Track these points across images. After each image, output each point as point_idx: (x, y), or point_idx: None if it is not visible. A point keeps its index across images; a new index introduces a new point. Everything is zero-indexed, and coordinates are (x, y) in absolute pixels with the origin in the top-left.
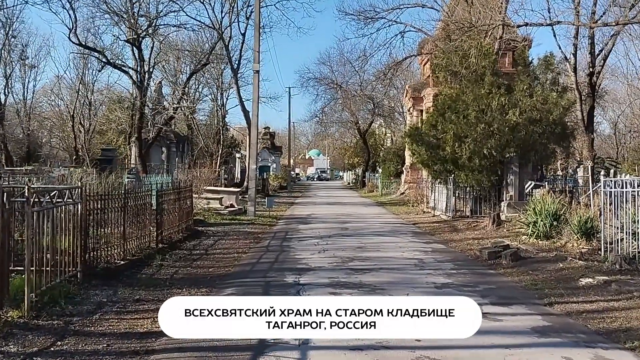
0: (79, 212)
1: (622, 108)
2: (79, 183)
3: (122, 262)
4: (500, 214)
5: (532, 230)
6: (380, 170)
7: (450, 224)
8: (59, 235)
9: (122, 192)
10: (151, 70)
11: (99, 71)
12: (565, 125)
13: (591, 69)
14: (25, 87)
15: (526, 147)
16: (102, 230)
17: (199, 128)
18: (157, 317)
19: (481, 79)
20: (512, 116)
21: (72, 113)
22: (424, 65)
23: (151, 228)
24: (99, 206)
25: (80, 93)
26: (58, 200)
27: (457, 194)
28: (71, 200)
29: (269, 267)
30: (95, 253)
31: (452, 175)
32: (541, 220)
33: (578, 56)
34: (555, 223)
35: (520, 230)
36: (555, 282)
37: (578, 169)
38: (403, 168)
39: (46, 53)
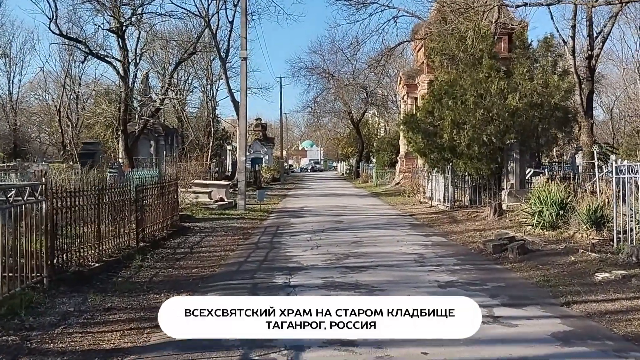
0: (44, 210)
1: (616, 93)
2: (44, 179)
3: (97, 265)
4: (502, 203)
5: (537, 220)
6: (374, 160)
7: (449, 215)
8: (21, 237)
9: (96, 187)
10: (137, 60)
11: (82, 63)
12: (567, 109)
13: (589, 52)
14: (11, 81)
15: (527, 133)
16: (76, 229)
17: (189, 120)
18: (127, 330)
19: (479, 63)
20: (512, 101)
21: (58, 107)
22: (417, 52)
23: (132, 226)
24: (69, 204)
25: (66, 87)
26: (17, 198)
27: (455, 183)
28: (33, 198)
29: (258, 267)
30: (65, 255)
31: (450, 164)
32: (547, 210)
33: (574, 40)
34: (561, 212)
35: (524, 220)
36: (569, 278)
37: (577, 155)
38: (398, 157)
39: (31, 47)
